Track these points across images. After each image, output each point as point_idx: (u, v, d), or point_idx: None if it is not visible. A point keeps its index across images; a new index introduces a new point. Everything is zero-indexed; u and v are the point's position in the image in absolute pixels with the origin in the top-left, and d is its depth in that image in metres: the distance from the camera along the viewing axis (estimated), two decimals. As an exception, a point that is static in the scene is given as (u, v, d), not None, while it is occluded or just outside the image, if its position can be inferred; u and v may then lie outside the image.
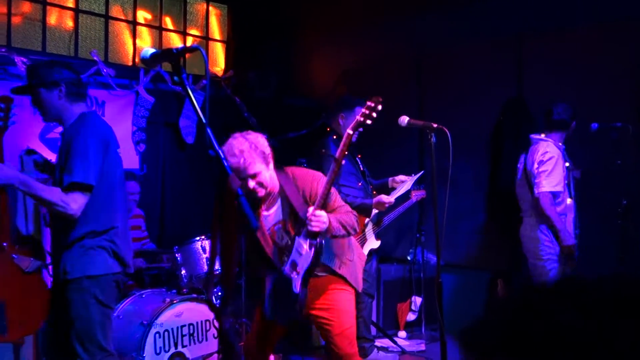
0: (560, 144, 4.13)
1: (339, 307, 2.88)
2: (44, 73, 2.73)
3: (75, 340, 2.69)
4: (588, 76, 4.42)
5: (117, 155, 2.82)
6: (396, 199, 4.33)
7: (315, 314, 2.90)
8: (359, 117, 2.72)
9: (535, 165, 4.05)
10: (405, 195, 4.50)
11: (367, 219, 4.30)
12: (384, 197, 4.16)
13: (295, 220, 2.78)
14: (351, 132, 2.69)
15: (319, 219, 2.62)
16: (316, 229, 2.63)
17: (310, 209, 2.64)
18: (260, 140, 2.75)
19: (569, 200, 4.15)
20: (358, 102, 4.30)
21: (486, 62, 5.08)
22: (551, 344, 0.81)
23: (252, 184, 2.70)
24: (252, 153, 2.67)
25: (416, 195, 4.56)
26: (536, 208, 4.07)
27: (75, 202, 2.59)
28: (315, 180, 2.83)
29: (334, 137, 4.24)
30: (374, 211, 4.29)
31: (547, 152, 4.04)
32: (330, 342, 2.89)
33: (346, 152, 2.71)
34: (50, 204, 2.59)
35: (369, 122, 2.70)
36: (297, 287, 2.74)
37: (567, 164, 4.15)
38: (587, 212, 4.29)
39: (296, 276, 2.74)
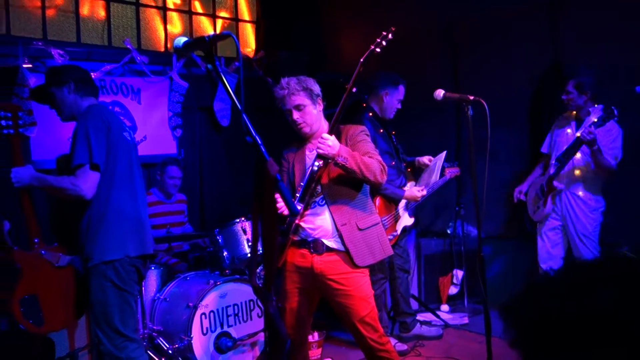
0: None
1: (355, 294, 2.83)
2: (53, 74, 2.99)
3: (95, 324, 2.81)
4: (630, 36, 4.24)
5: (124, 139, 2.90)
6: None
7: (335, 301, 2.88)
8: (372, 46, 2.81)
9: None
10: (440, 172, 4.45)
11: None
12: (416, 191, 4.14)
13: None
14: (362, 60, 2.80)
15: (325, 142, 2.71)
16: (320, 151, 2.72)
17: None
18: (310, 79, 2.92)
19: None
20: (401, 80, 4.28)
21: (521, 28, 4.92)
22: (589, 323, 0.79)
23: (296, 115, 2.88)
24: (298, 86, 2.85)
25: (450, 172, 4.48)
26: None
27: (85, 182, 2.69)
28: (358, 128, 2.98)
29: (370, 114, 4.20)
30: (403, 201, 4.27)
31: None
32: (352, 329, 2.88)
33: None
34: (62, 190, 2.72)
35: (378, 50, 2.82)
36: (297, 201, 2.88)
37: (569, 131, 4.21)
38: (632, 175, 4.16)
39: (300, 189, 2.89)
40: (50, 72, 3.06)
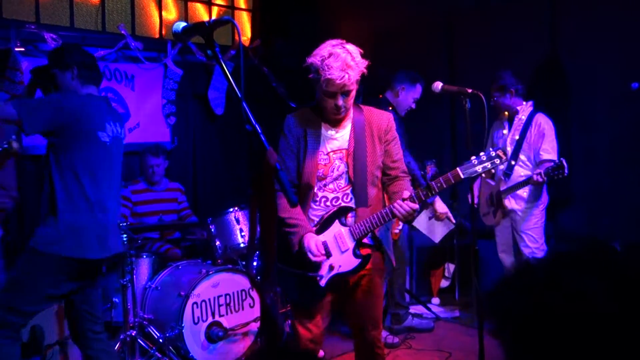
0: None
1: (375, 293, 2.69)
2: (58, 56, 2.90)
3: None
4: (628, 32, 4.24)
5: (95, 138, 2.79)
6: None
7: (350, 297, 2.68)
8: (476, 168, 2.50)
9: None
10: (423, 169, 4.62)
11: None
12: (440, 207, 4.28)
13: (356, 157, 2.54)
14: (462, 176, 2.48)
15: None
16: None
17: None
18: (361, 59, 2.48)
19: None
20: (419, 79, 4.27)
21: (520, 21, 4.91)
22: (572, 316, 0.78)
23: (341, 101, 2.45)
24: (357, 70, 2.43)
25: (432, 170, 4.65)
26: None
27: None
28: (390, 119, 2.65)
29: (389, 108, 4.20)
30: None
31: None
32: (359, 326, 2.71)
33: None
34: None
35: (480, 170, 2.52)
36: (322, 281, 2.49)
37: (504, 132, 4.23)
38: (628, 172, 4.17)
39: (326, 272, 2.50)
40: (53, 53, 2.97)
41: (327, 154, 2.56)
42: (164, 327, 3.72)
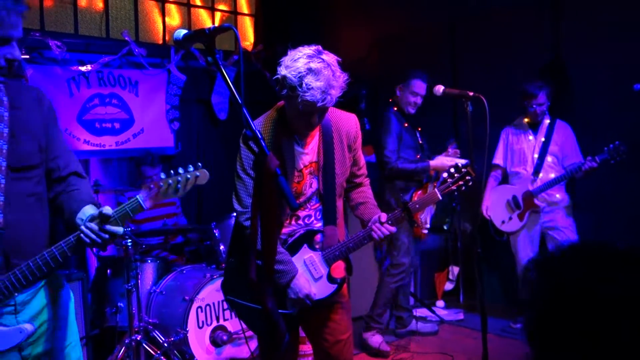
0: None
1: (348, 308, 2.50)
2: None
3: None
4: (630, 35, 4.24)
5: None
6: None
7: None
8: (452, 187, 2.50)
9: None
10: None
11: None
12: (445, 160, 4.00)
13: (326, 169, 2.30)
14: (439, 196, 2.47)
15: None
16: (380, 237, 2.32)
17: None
18: (341, 80, 2.14)
19: None
20: (414, 74, 4.18)
21: (522, 25, 4.92)
22: (603, 308, 0.79)
23: (316, 120, 2.16)
24: (339, 89, 2.10)
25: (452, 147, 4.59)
26: None
27: None
28: (357, 123, 2.40)
29: (395, 108, 4.21)
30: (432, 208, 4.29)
31: None
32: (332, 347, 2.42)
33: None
34: None
35: (454, 187, 2.50)
36: (295, 311, 2.30)
37: (530, 138, 4.28)
38: (631, 176, 4.17)
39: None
40: None
41: (300, 170, 2.30)
42: (169, 331, 3.74)
